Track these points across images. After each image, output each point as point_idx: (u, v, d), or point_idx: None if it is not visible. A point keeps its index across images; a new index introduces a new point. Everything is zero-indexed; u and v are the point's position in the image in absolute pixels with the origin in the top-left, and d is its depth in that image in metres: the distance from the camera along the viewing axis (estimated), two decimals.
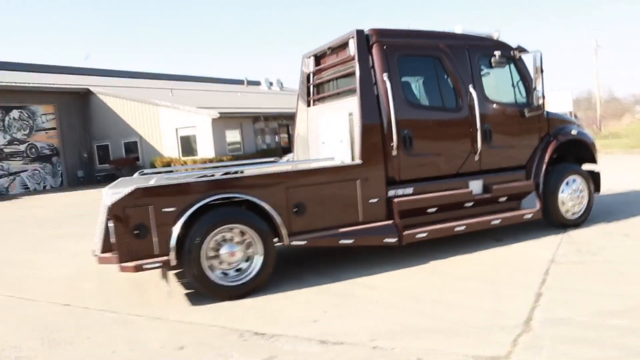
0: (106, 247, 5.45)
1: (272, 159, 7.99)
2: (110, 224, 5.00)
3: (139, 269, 4.87)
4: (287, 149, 29.98)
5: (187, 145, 25.39)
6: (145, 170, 7.07)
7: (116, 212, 4.87)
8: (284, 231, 5.37)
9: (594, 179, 7.25)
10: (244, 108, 28.53)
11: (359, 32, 6.06)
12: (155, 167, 24.73)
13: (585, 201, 7.06)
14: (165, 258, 4.94)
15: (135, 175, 7.04)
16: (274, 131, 29.40)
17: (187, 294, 5.41)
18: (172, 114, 25.40)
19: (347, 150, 6.42)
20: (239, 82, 51.95)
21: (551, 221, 6.94)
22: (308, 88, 7.58)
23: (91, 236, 9.87)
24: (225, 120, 25.15)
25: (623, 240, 6.09)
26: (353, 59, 6.22)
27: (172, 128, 25.46)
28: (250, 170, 6.02)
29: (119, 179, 6.91)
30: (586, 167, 7.30)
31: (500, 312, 4.22)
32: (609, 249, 5.77)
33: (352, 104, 6.31)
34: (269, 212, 5.31)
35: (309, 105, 7.61)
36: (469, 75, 6.45)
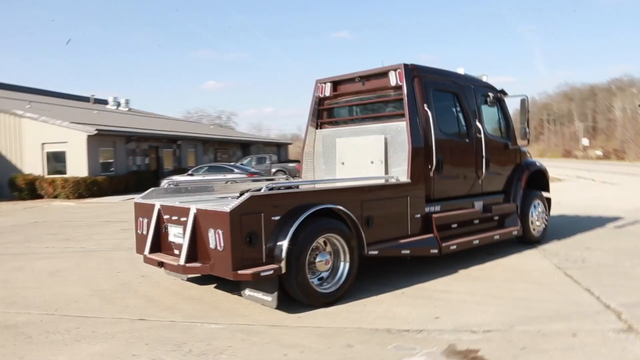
0: (191, 256, 5.20)
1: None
2: (219, 232, 4.88)
3: (256, 276, 4.82)
4: (156, 172, 28.67)
5: (56, 162, 22.85)
6: (174, 178, 6.78)
7: (233, 219, 4.79)
8: (364, 241, 5.75)
9: (548, 203, 8.89)
10: (119, 127, 26.73)
11: (406, 66, 6.80)
12: (15, 184, 21.77)
13: (545, 222, 8.63)
14: (275, 266, 4.96)
15: (165, 183, 6.73)
16: (144, 153, 28.01)
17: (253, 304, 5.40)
18: (39, 128, 22.74)
19: (380, 171, 7.01)
20: (85, 99, 48.18)
21: (521, 238, 8.31)
22: (319, 111, 8.01)
23: (23, 256, 8.76)
24: (100, 138, 23.35)
25: (591, 252, 7.64)
26: (394, 88, 6.94)
27: (38, 143, 22.76)
28: (322, 185, 6.22)
29: (151, 189, 6.54)
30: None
31: (575, 302, 5.19)
32: (589, 257, 7.23)
33: (388, 128, 6.97)
34: (355, 223, 5.66)
35: (317, 127, 8.04)
36: (475, 111, 7.60)
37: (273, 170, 31.86)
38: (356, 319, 4.94)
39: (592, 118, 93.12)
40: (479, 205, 7.59)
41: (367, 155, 7.20)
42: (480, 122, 7.62)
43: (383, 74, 7.07)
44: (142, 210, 6.18)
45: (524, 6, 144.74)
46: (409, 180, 6.51)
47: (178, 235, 5.56)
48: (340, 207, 5.53)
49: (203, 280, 6.52)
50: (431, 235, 6.61)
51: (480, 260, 7.32)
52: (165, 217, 5.75)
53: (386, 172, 6.98)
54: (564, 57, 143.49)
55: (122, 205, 18.93)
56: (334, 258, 5.59)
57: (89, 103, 45.12)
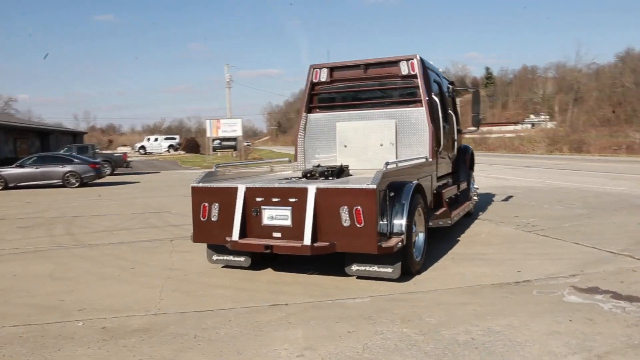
0: (314, 236, 5.15)
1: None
2: (357, 208, 5.02)
3: (395, 248, 5.09)
4: None
5: None
6: (221, 165, 6.38)
7: (377, 195, 4.99)
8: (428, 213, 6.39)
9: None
10: None
11: (420, 58, 7.54)
12: None
13: (476, 197, 10.32)
14: (400, 238, 5.28)
15: (214, 168, 6.27)
16: None
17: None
18: None
19: (391, 153, 7.64)
20: None
21: None
22: (312, 96, 8.22)
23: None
24: None
25: (525, 219, 9.41)
26: (403, 77, 7.62)
27: None
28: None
29: (205, 172, 6.03)
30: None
31: (587, 252, 6.62)
32: (533, 223, 9.00)
33: (396, 113, 7.65)
34: (426, 197, 6.25)
35: (309, 112, 8.24)
36: (448, 99, 8.76)
37: (98, 160, 28.80)
38: (460, 279, 5.59)
39: None
40: (450, 182, 8.81)
41: (376, 139, 7.74)
42: (452, 109, 8.82)
43: (392, 62, 7.69)
44: (210, 195, 5.74)
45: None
46: (431, 159, 7.34)
47: (280, 217, 5.41)
48: (422, 183, 6.09)
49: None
50: (444, 208, 7.54)
51: (454, 231, 8.47)
52: (258, 199, 5.49)
53: (396, 154, 7.65)
54: (327, 51, 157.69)
55: None
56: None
57: None
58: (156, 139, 69.32)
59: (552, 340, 3.85)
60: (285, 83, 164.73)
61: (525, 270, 5.86)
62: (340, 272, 5.70)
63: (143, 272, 6.26)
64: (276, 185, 5.54)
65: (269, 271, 6.15)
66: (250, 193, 5.54)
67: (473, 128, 9.88)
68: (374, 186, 4.99)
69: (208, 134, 39.87)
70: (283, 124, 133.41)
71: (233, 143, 40.57)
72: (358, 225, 5.05)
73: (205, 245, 6.26)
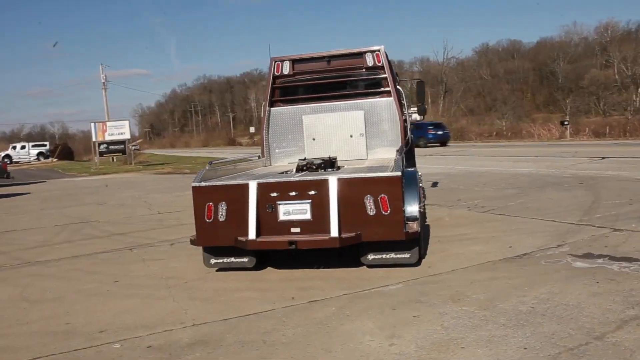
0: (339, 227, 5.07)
1: None
2: (383, 197, 5.06)
3: (417, 232, 5.19)
4: None
5: None
6: (214, 162, 5.98)
7: (401, 183, 5.06)
8: None
9: None
10: None
11: (384, 50, 7.70)
12: None
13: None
14: (416, 222, 5.40)
15: (207, 167, 5.87)
16: None
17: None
18: None
19: (361, 143, 7.76)
20: None
21: None
22: (274, 90, 8.03)
23: None
24: None
25: (470, 201, 10.06)
26: (369, 68, 7.75)
27: None
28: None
29: (201, 172, 5.63)
30: None
31: (554, 225, 7.26)
32: (481, 204, 9.66)
33: (364, 104, 7.77)
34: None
35: (272, 105, 8.06)
36: (401, 91, 9.07)
37: None
38: (466, 258, 5.87)
39: (231, 108, 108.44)
40: None
41: (345, 130, 7.79)
42: (405, 100, 9.15)
43: (356, 54, 7.78)
44: (216, 194, 5.37)
45: None
46: (404, 147, 7.56)
47: (298, 211, 5.24)
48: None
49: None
50: None
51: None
52: (272, 195, 5.25)
53: (366, 144, 7.77)
54: (196, 51, 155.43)
55: None
56: None
57: None
58: (23, 147, 63.81)
59: (599, 300, 4.22)
60: (155, 83, 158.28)
61: (514, 245, 6.30)
62: (347, 263, 5.73)
63: (134, 285, 5.69)
64: (292, 179, 5.36)
65: (271, 270, 5.92)
66: (262, 189, 5.29)
67: (419, 117, 10.33)
68: (399, 173, 5.05)
69: (94, 138, 37.01)
70: (156, 126, 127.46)
71: (121, 147, 38.13)
72: (384, 213, 5.07)
73: (183, 249, 5.92)
